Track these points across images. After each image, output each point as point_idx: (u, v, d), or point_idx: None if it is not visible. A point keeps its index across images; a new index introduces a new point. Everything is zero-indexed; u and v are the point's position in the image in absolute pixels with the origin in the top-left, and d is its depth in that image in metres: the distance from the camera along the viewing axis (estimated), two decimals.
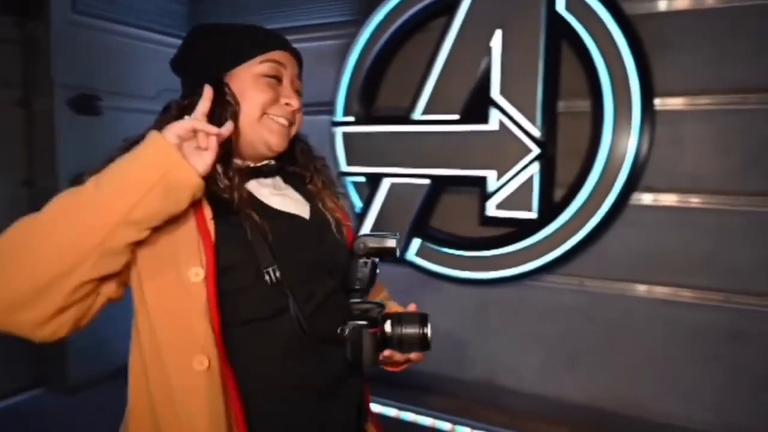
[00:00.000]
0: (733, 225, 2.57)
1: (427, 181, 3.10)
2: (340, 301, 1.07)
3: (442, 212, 3.18)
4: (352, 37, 3.27)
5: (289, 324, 1.02)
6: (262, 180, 1.12)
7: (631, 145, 2.67)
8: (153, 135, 0.92)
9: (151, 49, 3.65)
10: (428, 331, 1.04)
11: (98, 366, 3.38)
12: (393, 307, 1.17)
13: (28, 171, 3.28)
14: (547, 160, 2.82)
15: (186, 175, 0.91)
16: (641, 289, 2.76)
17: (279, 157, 1.14)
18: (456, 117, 2.98)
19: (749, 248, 2.55)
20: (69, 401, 3.22)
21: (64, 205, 0.91)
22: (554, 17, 2.76)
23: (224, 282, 0.97)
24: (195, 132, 0.94)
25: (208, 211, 1.00)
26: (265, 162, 1.12)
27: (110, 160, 0.99)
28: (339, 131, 3.29)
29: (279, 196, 1.12)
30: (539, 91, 2.79)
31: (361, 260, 1.06)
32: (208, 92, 0.99)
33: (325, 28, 3.43)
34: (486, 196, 2.94)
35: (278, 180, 1.16)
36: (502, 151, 2.88)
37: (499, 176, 2.90)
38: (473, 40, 2.92)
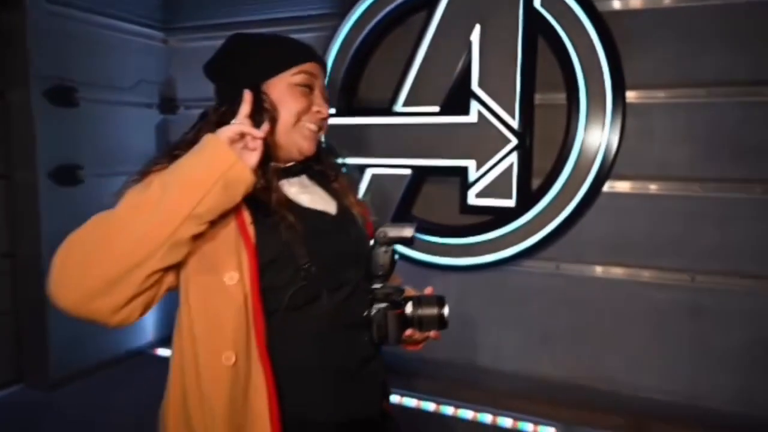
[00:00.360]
0: (697, 210, 2.76)
1: (408, 172, 3.19)
2: (365, 287, 1.16)
3: (424, 201, 3.28)
4: (331, 30, 3.32)
5: (321, 311, 1.13)
6: (291, 179, 1.21)
7: (603, 135, 2.82)
8: (210, 138, 1.01)
9: (127, 40, 3.62)
10: (446, 311, 1.15)
11: (77, 362, 3.37)
12: (410, 291, 1.25)
13: (4, 163, 3.22)
14: (524, 150, 2.94)
15: (242, 173, 1.01)
16: (613, 271, 2.93)
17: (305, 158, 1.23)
18: (436, 109, 3.08)
19: (712, 231, 2.74)
20: (48, 397, 3.19)
21: (136, 203, 0.99)
22: (531, 13, 2.88)
23: (264, 280, 1.07)
24: (243, 135, 1.04)
25: (247, 215, 1.09)
26: (292, 163, 1.21)
27: (156, 161, 1.11)
28: None
29: (307, 194, 1.21)
30: (517, 83, 2.91)
31: (382, 248, 1.14)
32: (248, 97, 1.08)
33: (304, 21, 3.46)
34: (467, 185, 3.05)
35: (304, 178, 1.24)
36: (482, 141, 2.99)
37: (479, 166, 3.02)
38: (453, 35, 3.02)
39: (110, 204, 1.01)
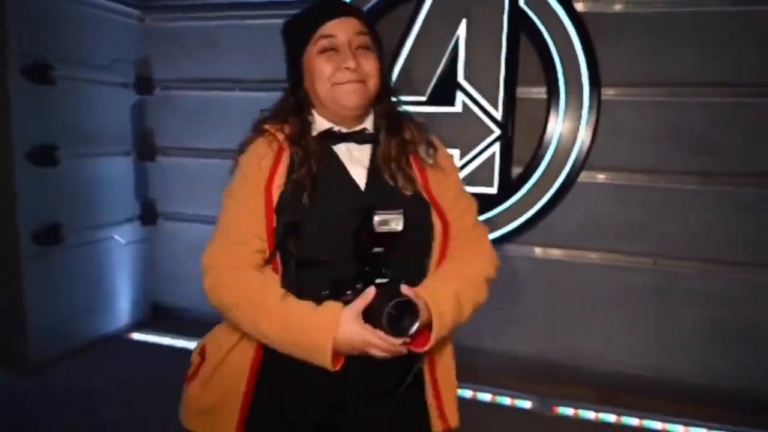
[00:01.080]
0: (661, 200, 3.01)
1: None
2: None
3: None
4: None
5: (318, 277, 1.20)
6: (345, 144, 1.28)
7: (580, 129, 3.02)
8: (324, 344, 1.11)
9: (103, 17, 3.51)
10: (392, 310, 1.08)
11: (59, 345, 3.31)
12: (404, 287, 1.18)
13: None
14: (506, 140, 3.11)
15: (323, 364, 1.13)
16: (585, 255, 3.16)
17: (387, 117, 1.31)
18: (423, 99, 3.19)
19: (674, 220, 3.00)
20: (30, 381, 3.13)
21: (269, 312, 1.17)
22: (516, 10, 3.03)
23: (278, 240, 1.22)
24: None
25: (280, 176, 1.23)
26: (344, 129, 1.28)
27: (248, 141, 1.29)
28: None
29: (351, 161, 1.27)
30: (501, 77, 3.06)
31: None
32: (370, 293, 1.12)
33: (284, 6, 3.47)
34: None
35: (352, 145, 1.28)
36: (466, 131, 3.13)
37: (463, 155, 3.16)
38: (440, 28, 3.12)
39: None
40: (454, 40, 3.11)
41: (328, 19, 1.22)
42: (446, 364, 1.36)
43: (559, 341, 3.20)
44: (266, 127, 1.30)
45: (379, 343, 1.09)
